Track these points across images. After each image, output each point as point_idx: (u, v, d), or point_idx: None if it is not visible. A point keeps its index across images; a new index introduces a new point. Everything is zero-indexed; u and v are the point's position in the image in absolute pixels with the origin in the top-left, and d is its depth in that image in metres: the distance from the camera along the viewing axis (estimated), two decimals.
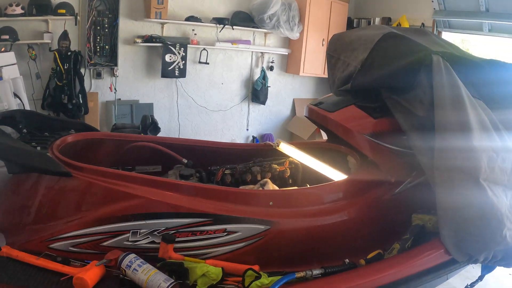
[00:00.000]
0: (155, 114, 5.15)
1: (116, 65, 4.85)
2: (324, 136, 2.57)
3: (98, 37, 4.71)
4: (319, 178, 1.83)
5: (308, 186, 1.84)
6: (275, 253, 1.44)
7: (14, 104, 1.99)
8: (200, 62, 5.29)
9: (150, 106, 5.23)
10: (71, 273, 1.25)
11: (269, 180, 1.80)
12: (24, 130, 1.80)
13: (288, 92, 6.18)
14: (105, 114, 5.08)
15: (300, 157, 1.87)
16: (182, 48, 4.94)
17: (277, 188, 1.78)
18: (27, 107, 2.11)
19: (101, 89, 5.00)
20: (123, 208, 1.38)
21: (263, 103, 5.86)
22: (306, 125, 5.35)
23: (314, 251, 1.50)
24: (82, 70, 4.67)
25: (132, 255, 1.29)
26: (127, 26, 4.89)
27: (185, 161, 1.93)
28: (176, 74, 5.02)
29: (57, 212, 1.47)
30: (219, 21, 5.13)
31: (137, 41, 4.87)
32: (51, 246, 1.41)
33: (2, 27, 4.30)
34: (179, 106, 5.38)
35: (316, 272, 1.29)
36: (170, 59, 4.90)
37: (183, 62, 4.99)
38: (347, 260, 1.41)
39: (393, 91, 1.59)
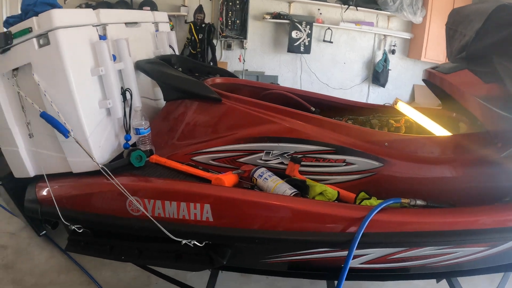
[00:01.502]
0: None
1: (245, 38, 5.27)
2: None
3: (230, 12, 5.16)
4: None
5: None
6: (384, 189, 1.54)
7: (168, 52, 2.39)
8: (324, 41, 5.46)
9: (275, 78, 5.57)
10: (210, 177, 1.54)
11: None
12: (179, 69, 2.18)
13: (408, 77, 6.00)
14: None
15: (415, 116, 1.93)
16: (308, 26, 5.16)
17: None
18: None
19: (231, 60, 5.50)
20: (260, 131, 1.63)
21: (383, 85, 5.80)
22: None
23: (419, 194, 1.59)
24: (214, 41, 5.20)
25: (264, 168, 1.54)
26: (257, 3, 5.28)
27: (313, 109, 2.15)
28: (302, 50, 5.26)
29: (203, 131, 1.79)
30: (344, 1, 5.20)
31: (265, 17, 5.23)
32: (193, 158, 1.74)
33: (144, 0, 4.97)
34: (302, 81, 5.64)
35: (420, 202, 1.39)
36: (296, 36, 5.17)
37: (308, 39, 5.21)
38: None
39: (504, 58, 1.60)
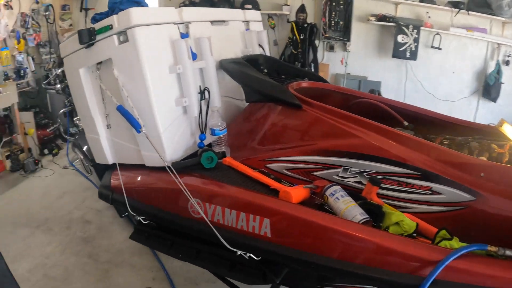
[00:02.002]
0: (382, 93, 5.21)
1: (349, 40, 5.05)
2: None
3: (333, 13, 4.97)
4: None
5: None
6: (472, 228, 1.27)
7: (258, 51, 2.33)
8: (432, 47, 4.95)
9: (377, 84, 5.24)
10: (280, 188, 1.42)
11: (484, 159, 1.61)
12: (265, 70, 2.10)
13: None
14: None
15: None
16: (415, 30, 4.74)
17: None
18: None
19: (333, 62, 5.31)
20: (341, 144, 1.47)
21: (494, 100, 5.03)
22: None
23: None
24: (316, 42, 5.07)
25: (338, 186, 1.37)
26: (361, 4, 4.99)
27: (405, 123, 1.90)
28: (407, 55, 4.86)
29: (282, 138, 1.68)
30: (454, 4, 4.66)
31: (370, 19, 4.92)
32: (267, 165, 1.64)
33: None
34: (406, 89, 5.22)
35: (510, 253, 1.09)
36: (402, 40, 4.78)
37: (415, 44, 4.79)
38: None
39: None
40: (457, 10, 4.68)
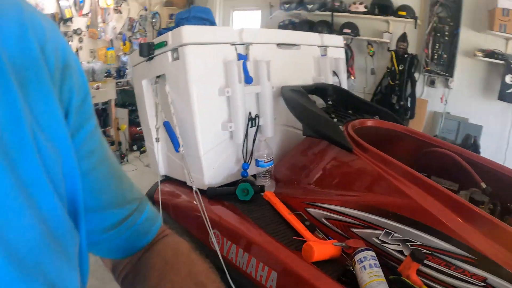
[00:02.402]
0: (482, 140, 4.67)
1: (451, 76, 4.64)
2: None
3: (437, 44, 4.62)
4: None
5: None
6: None
7: (331, 80, 2.19)
8: None
9: (478, 128, 4.70)
10: (307, 238, 1.28)
11: None
12: (330, 102, 1.96)
13: None
14: (430, 124, 5.02)
15: None
16: None
17: None
18: (344, 86, 2.28)
19: (432, 98, 4.92)
20: (388, 202, 1.27)
21: None
22: None
23: None
24: (416, 75, 4.75)
25: (371, 253, 1.17)
26: (468, 37, 4.55)
27: (483, 185, 1.60)
28: None
29: (327, 182, 1.53)
30: None
31: (477, 54, 4.42)
32: (307, 209, 1.49)
33: (345, 22, 4.90)
34: (510, 137, 4.55)
35: None
36: (511, 81, 4.22)
37: None
38: None
39: None
40: None
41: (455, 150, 1.75)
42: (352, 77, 5.00)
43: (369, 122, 1.85)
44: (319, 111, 1.69)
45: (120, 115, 5.50)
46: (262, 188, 1.60)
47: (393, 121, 1.96)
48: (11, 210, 0.33)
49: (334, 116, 1.80)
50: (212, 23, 1.94)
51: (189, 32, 1.45)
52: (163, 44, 1.53)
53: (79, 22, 5.47)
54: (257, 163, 1.64)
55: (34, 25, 0.42)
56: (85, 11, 5.45)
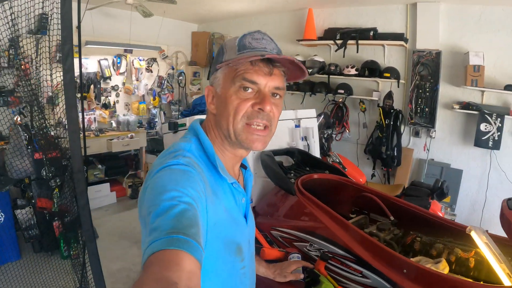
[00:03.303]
0: (464, 182, 5.35)
1: (433, 127, 5.34)
2: None
3: (420, 99, 5.35)
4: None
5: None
6: None
7: (300, 145, 3.04)
8: None
9: (459, 172, 5.36)
10: (264, 246, 2.13)
11: (444, 261, 1.93)
12: (293, 161, 2.83)
13: None
14: (416, 170, 5.66)
15: (485, 252, 1.77)
16: (499, 119, 4.81)
17: (447, 270, 1.96)
18: (312, 149, 3.12)
19: (418, 147, 5.60)
20: (311, 226, 2.11)
21: None
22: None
23: None
24: (402, 127, 5.46)
25: (298, 255, 2.02)
26: (447, 91, 5.27)
27: (391, 218, 2.38)
28: (490, 145, 4.92)
29: (282, 213, 2.38)
30: None
31: (455, 107, 5.13)
32: (271, 231, 2.33)
33: (340, 83, 5.73)
34: (490, 179, 5.18)
35: None
36: (485, 129, 4.90)
37: (498, 133, 4.84)
38: None
39: None
40: None
41: (377, 194, 2.56)
42: (347, 131, 5.80)
43: (315, 175, 2.69)
44: (277, 168, 2.55)
45: (150, 160, 6.45)
46: None
47: (338, 174, 2.80)
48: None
49: (294, 172, 2.67)
50: None
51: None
52: (184, 125, 2.47)
53: (117, 80, 6.57)
54: None
55: None
56: (121, 70, 6.56)
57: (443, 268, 1.93)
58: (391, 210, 2.37)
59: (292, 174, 2.62)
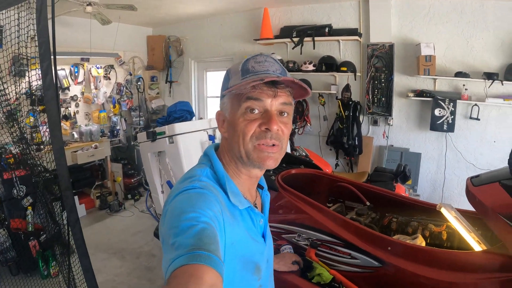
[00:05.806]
0: (423, 164, 5.73)
1: (390, 115, 5.68)
2: None
3: (376, 90, 5.69)
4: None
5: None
6: (382, 285, 1.90)
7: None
8: (471, 118, 5.32)
9: (418, 155, 5.73)
10: None
11: (420, 236, 2.13)
12: None
13: None
14: (377, 156, 6.01)
15: (456, 225, 2.02)
16: (452, 103, 5.19)
17: (423, 244, 2.19)
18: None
19: (377, 135, 5.95)
20: (298, 218, 2.30)
21: None
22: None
23: None
24: (361, 117, 5.78)
25: (289, 246, 2.21)
26: (401, 81, 5.64)
27: (367, 203, 2.63)
28: (444, 128, 5.30)
29: (272, 209, 2.54)
30: (488, 76, 5.03)
31: (409, 95, 5.50)
32: None
33: (299, 79, 5.95)
34: (447, 159, 5.59)
35: None
36: (439, 113, 5.25)
37: (452, 117, 5.21)
38: None
39: None
40: (491, 81, 5.00)
41: (350, 182, 2.79)
42: (309, 124, 6.10)
43: (293, 171, 2.88)
44: None
45: (115, 169, 6.43)
46: None
47: (313, 168, 3.01)
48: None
49: (272, 170, 2.83)
50: (191, 112, 2.99)
51: (179, 127, 2.49)
52: (163, 133, 2.58)
53: (75, 90, 6.47)
54: None
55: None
56: (79, 79, 6.47)
57: (420, 242, 2.16)
58: (365, 196, 2.61)
59: (271, 172, 2.78)
